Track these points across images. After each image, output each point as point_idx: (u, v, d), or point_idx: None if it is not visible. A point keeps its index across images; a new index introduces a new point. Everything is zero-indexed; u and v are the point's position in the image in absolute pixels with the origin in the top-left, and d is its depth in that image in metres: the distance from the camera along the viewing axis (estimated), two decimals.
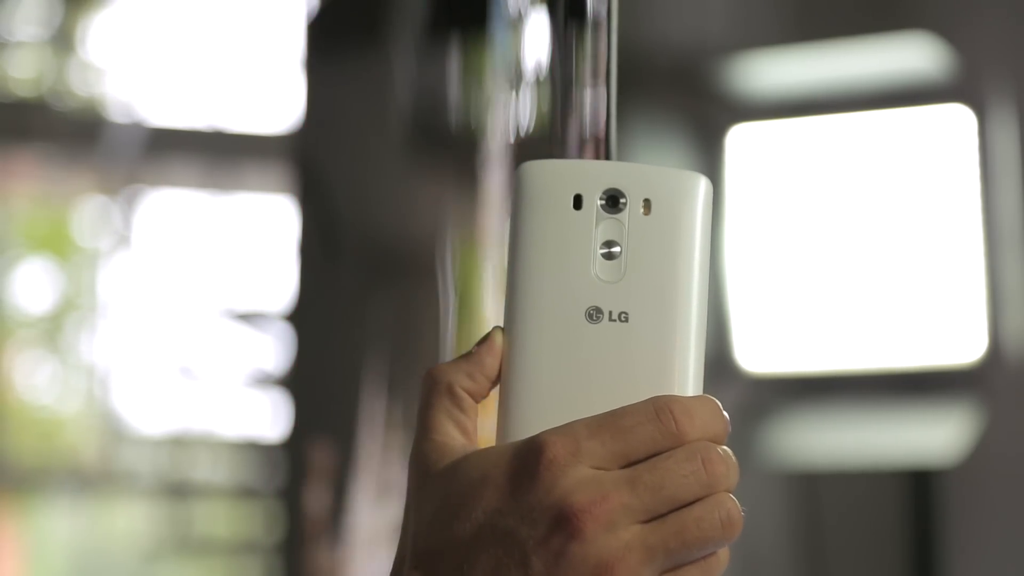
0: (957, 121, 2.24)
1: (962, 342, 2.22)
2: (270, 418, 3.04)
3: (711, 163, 2.37)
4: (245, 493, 3.21)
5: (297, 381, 2.69)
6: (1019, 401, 2.20)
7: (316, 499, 2.39)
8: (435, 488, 0.73)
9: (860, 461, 2.29)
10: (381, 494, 2.28)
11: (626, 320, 0.76)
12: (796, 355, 2.33)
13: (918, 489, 2.22)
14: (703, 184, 0.77)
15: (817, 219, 2.33)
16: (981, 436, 2.18)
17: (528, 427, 0.74)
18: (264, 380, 3.11)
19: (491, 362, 0.76)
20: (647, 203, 0.77)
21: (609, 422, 0.72)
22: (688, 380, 0.76)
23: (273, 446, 3.01)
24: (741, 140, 2.38)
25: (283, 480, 2.70)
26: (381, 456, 2.28)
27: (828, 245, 2.32)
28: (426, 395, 0.75)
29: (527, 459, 0.71)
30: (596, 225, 0.77)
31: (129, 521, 3.24)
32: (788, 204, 2.35)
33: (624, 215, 0.77)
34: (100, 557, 3.30)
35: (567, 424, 0.72)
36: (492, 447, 0.73)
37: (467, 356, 0.76)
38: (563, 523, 0.70)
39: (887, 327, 2.27)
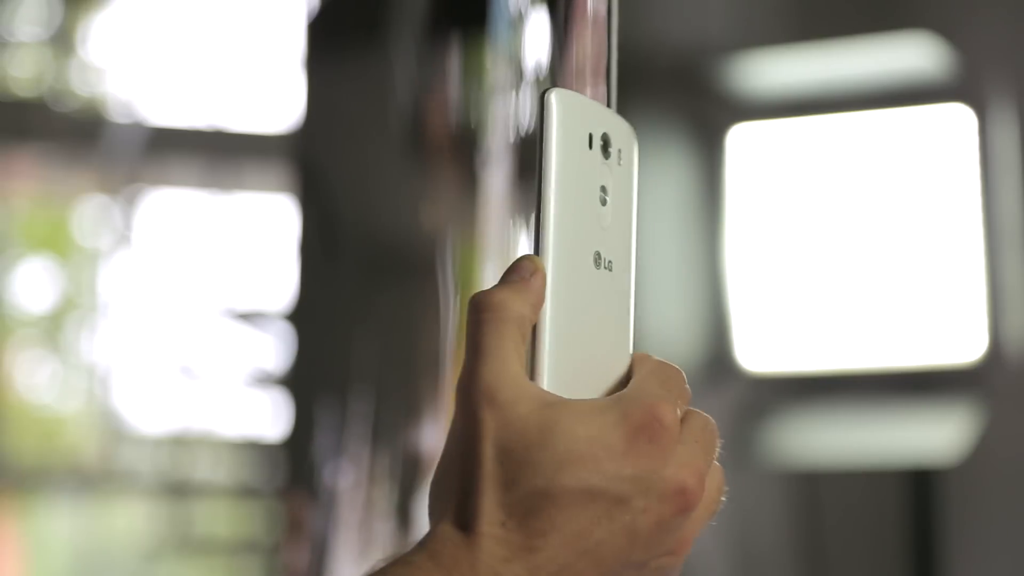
0: (957, 121, 2.24)
1: (962, 342, 2.22)
2: (270, 418, 3.04)
3: (711, 163, 2.37)
4: (245, 493, 3.21)
5: (297, 381, 2.69)
6: (1019, 401, 2.20)
7: (297, 554, 2.39)
8: (525, 437, 0.70)
9: (860, 461, 2.29)
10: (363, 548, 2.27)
11: (610, 268, 0.76)
12: (796, 355, 2.33)
13: (918, 489, 2.22)
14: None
15: (817, 219, 2.33)
16: (981, 436, 2.18)
17: (557, 372, 0.73)
18: (264, 380, 3.11)
19: (543, 297, 0.74)
20: (619, 153, 0.77)
21: (679, 385, 0.74)
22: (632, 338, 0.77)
23: (273, 446, 3.01)
24: (741, 140, 2.38)
25: (283, 480, 2.70)
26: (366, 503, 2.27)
27: (828, 245, 2.32)
28: (493, 324, 0.72)
29: (648, 427, 0.71)
30: (599, 168, 0.76)
31: (129, 521, 3.24)
32: (788, 204, 2.35)
33: (612, 162, 0.77)
34: (100, 557, 3.30)
35: (662, 387, 0.72)
36: (586, 402, 0.71)
37: (522, 288, 0.73)
38: (679, 498, 0.70)
39: (887, 327, 2.27)
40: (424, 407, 2.17)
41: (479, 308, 0.73)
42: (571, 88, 0.75)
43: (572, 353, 0.74)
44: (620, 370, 0.76)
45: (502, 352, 0.72)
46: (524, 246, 1.85)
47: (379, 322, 2.38)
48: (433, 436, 2.12)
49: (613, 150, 0.77)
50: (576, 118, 0.75)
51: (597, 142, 0.76)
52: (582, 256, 0.75)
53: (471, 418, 0.71)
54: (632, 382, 0.74)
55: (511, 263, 0.74)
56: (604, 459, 0.70)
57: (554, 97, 0.74)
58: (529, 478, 0.69)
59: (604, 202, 0.76)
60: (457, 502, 0.71)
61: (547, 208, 0.74)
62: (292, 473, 2.50)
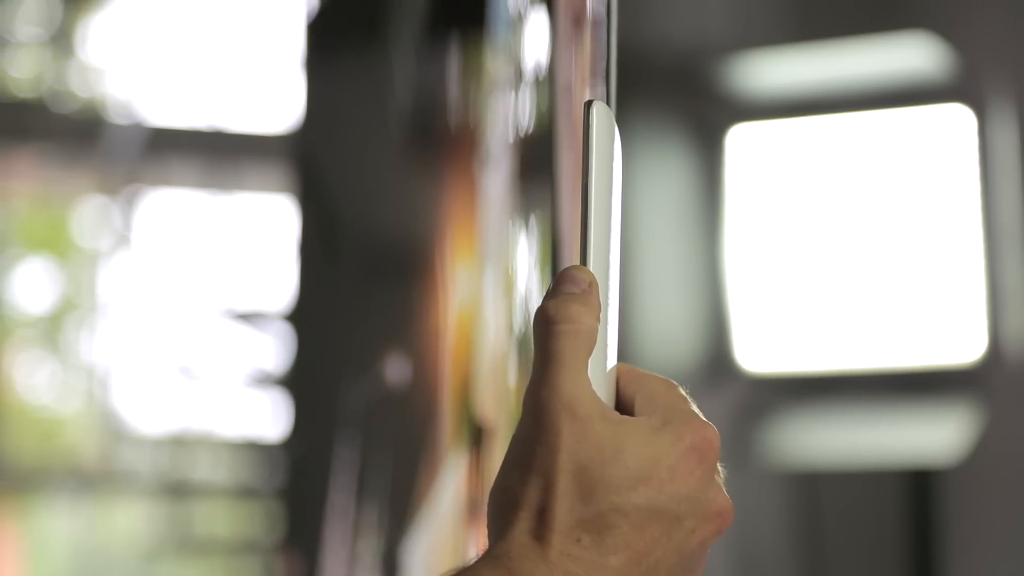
0: (957, 121, 2.24)
1: (962, 342, 2.22)
2: (270, 418, 3.04)
3: (711, 163, 2.37)
4: (245, 493, 3.21)
5: (297, 381, 2.69)
6: (1019, 401, 2.20)
7: None
8: (601, 453, 0.71)
9: (860, 461, 2.29)
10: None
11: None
12: (796, 355, 2.33)
13: (918, 489, 2.22)
14: None
15: (817, 219, 2.33)
16: (981, 436, 2.18)
17: (601, 384, 0.73)
18: (264, 380, 3.11)
19: (599, 308, 0.74)
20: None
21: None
22: None
23: (273, 446, 3.01)
24: (741, 140, 2.38)
25: (283, 480, 2.70)
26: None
27: (828, 245, 2.32)
28: (570, 336, 0.73)
29: (699, 447, 0.72)
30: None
31: (129, 521, 3.24)
32: (788, 204, 2.35)
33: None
34: (100, 557, 3.30)
35: (692, 406, 0.74)
36: (642, 420, 0.72)
37: (586, 299, 0.74)
38: (719, 519, 0.72)
39: (887, 327, 2.27)
40: (420, 452, 2.16)
41: (555, 319, 0.73)
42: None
43: (607, 364, 0.75)
44: (614, 379, 0.76)
45: (579, 364, 0.72)
46: (523, 249, 1.85)
47: (377, 323, 2.38)
48: (427, 476, 2.11)
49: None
50: (611, 128, 0.77)
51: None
52: (613, 265, 0.76)
53: (548, 429, 0.71)
54: (663, 400, 0.74)
55: (562, 273, 0.74)
56: (666, 479, 0.71)
57: (595, 110, 0.76)
58: (604, 495, 0.70)
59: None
60: (532, 514, 0.71)
61: (594, 220, 0.75)
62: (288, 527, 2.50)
